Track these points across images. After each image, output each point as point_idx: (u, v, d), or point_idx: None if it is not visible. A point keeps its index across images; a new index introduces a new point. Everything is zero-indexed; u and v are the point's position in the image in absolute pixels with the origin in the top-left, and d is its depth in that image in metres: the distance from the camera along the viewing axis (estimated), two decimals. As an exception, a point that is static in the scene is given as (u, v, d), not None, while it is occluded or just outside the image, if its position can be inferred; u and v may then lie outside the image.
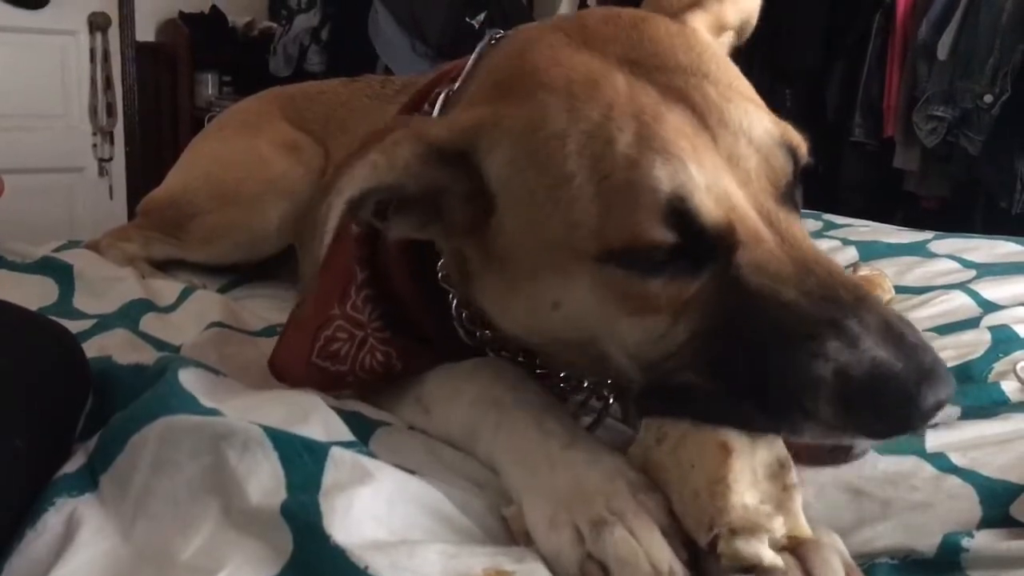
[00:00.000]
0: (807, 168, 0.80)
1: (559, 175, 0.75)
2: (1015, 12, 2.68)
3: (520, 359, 0.94)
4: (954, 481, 0.82)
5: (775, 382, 0.67)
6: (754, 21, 0.98)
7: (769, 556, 0.63)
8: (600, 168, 0.73)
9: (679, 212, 0.71)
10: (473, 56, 0.95)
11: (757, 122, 0.76)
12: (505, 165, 0.79)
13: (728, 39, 0.95)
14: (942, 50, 2.81)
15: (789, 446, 0.71)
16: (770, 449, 0.68)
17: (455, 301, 0.94)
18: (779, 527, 0.65)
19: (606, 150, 0.73)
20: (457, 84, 0.95)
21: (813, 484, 0.83)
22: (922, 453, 0.87)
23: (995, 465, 0.85)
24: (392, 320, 0.97)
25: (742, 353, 0.69)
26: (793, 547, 0.66)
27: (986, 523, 0.77)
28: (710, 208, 0.71)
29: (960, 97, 2.77)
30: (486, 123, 0.80)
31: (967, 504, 0.79)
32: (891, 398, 0.64)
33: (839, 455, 0.76)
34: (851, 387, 0.64)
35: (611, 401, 0.97)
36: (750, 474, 0.67)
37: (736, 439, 0.68)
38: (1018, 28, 2.67)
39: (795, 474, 0.68)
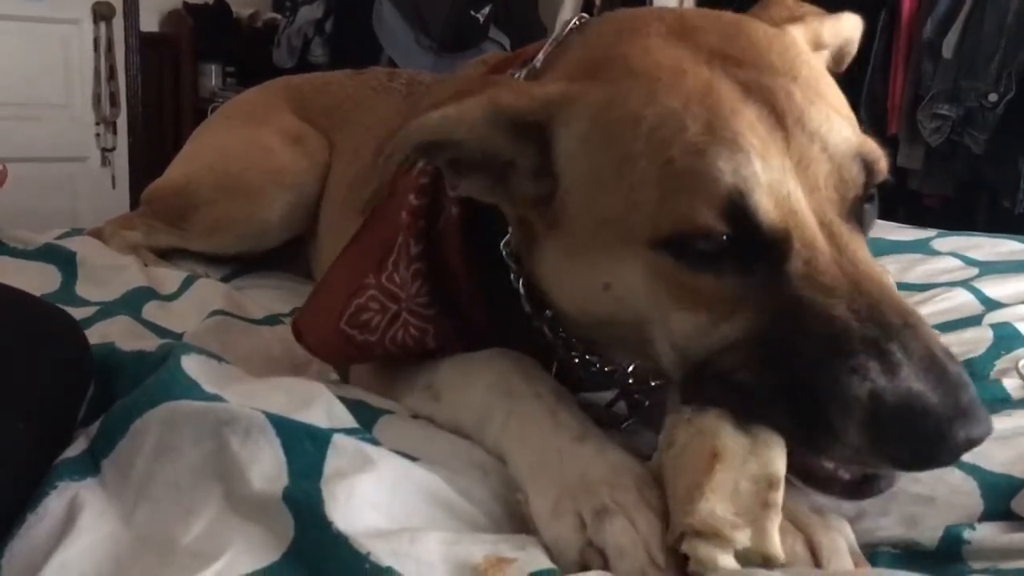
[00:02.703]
0: (884, 185, 0.78)
1: (626, 154, 0.75)
2: (1021, 12, 2.67)
3: (572, 342, 0.92)
4: (956, 475, 0.82)
5: (811, 394, 0.66)
6: (854, 48, 0.97)
7: (725, 562, 0.64)
8: (666, 153, 0.73)
9: (737, 206, 0.70)
10: (554, 36, 0.94)
11: (837, 129, 0.75)
12: (577, 140, 0.79)
13: (825, 58, 0.93)
14: (947, 49, 2.80)
15: (809, 474, 0.71)
16: (762, 465, 0.67)
17: (520, 280, 0.92)
18: (743, 539, 0.64)
19: (675, 136, 0.73)
20: (539, 62, 0.92)
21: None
22: (924, 447, 0.87)
23: (997, 460, 0.84)
24: (439, 298, 0.96)
25: (786, 360, 0.68)
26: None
27: (987, 517, 0.78)
28: (768, 208, 0.70)
29: (964, 96, 2.77)
30: (566, 98, 0.80)
31: (969, 498, 0.80)
32: (922, 431, 0.62)
33: (862, 488, 0.72)
34: (883, 413, 0.63)
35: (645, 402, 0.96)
36: (732, 486, 0.66)
37: (729, 450, 0.68)
38: (1023, 28, 2.66)
39: (781, 495, 0.66)
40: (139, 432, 0.78)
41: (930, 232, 1.82)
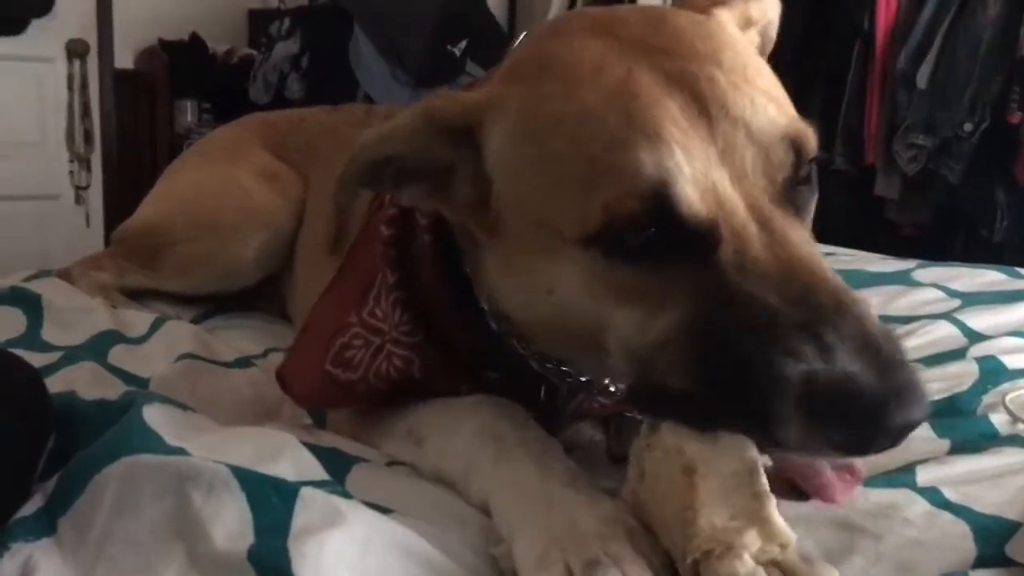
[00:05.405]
0: (815, 160, 0.78)
1: (550, 154, 0.75)
2: (994, 42, 2.70)
3: (545, 362, 0.92)
4: (947, 517, 0.80)
5: (747, 382, 0.65)
6: (773, 31, 0.96)
7: (744, 570, 0.62)
8: (588, 150, 0.73)
9: (661, 198, 0.70)
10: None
11: (761, 112, 0.74)
12: (503, 142, 0.80)
13: (755, 36, 0.93)
14: (921, 79, 2.82)
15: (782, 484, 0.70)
16: (733, 459, 0.67)
17: (487, 306, 0.91)
18: (752, 540, 0.64)
19: (596, 132, 0.73)
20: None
21: (802, 520, 0.81)
22: (913, 486, 0.86)
23: (988, 501, 0.83)
24: (422, 325, 0.95)
25: (719, 351, 0.68)
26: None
27: (981, 562, 0.75)
28: (693, 200, 0.70)
29: (940, 126, 2.78)
30: (492, 100, 0.81)
31: (961, 542, 0.77)
32: (856, 412, 0.62)
33: (825, 488, 0.74)
34: (817, 395, 0.62)
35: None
36: (718, 491, 0.66)
37: (699, 458, 0.67)
38: (997, 58, 2.69)
39: (765, 478, 0.66)
40: (98, 488, 0.75)
41: (910, 263, 1.81)
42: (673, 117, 0.72)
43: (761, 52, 0.96)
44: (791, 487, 0.74)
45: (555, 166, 0.75)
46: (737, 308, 0.68)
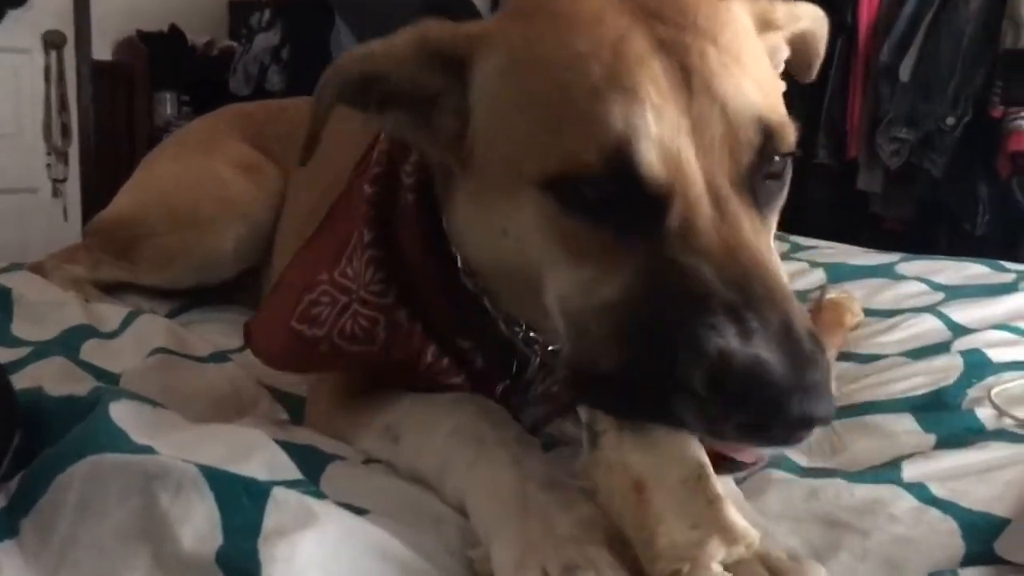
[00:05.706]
0: (791, 155, 0.78)
1: (532, 92, 0.77)
2: (976, 35, 2.70)
3: (512, 325, 0.92)
4: (934, 514, 0.80)
5: (669, 350, 0.66)
6: (817, 45, 0.96)
7: None
8: (568, 95, 0.74)
9: (622, 154, 0.70)
10: None
11: (743, 93, 0.74)
12: (491, 74, 0.81)
13: (780, 44, 0.92)
14: (904, 72, 2.82)
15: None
16: (682, 464, 0.65)
17: (459, 255, 0.92)
18: (715, 548, 0.62)
19: (579, 79, 0.73)
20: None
21: (788, 517, 0.80)
22: (900, 482, 0.85)
23: (975, 496, 0.82)
24: (394, 286, 0.94)
25: (650, 321, 0.68)
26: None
27: (969, 559, 0.74)
28: (653, 161, 0.70)
29: (923, 119, 2.78)
30: (488, 34, 0.82)
31: (950, 539, 0.77)
32: (762, 398, 0.62)
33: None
34: (728, 373, 0.63)
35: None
36: (672, 503, 0.64)
37: (645, 472, 0.66)
38: (979, 51, 2.69)
39: (714, 480, 0.65)
40: (61, 488, 0.72)
41: (894, 256, 1.81)
42: (654, 78, 0.72)
43: (804, 65, 0.98)
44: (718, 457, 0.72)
45: (533, 105, 0.76)
46: (674, 280, 0.68)
